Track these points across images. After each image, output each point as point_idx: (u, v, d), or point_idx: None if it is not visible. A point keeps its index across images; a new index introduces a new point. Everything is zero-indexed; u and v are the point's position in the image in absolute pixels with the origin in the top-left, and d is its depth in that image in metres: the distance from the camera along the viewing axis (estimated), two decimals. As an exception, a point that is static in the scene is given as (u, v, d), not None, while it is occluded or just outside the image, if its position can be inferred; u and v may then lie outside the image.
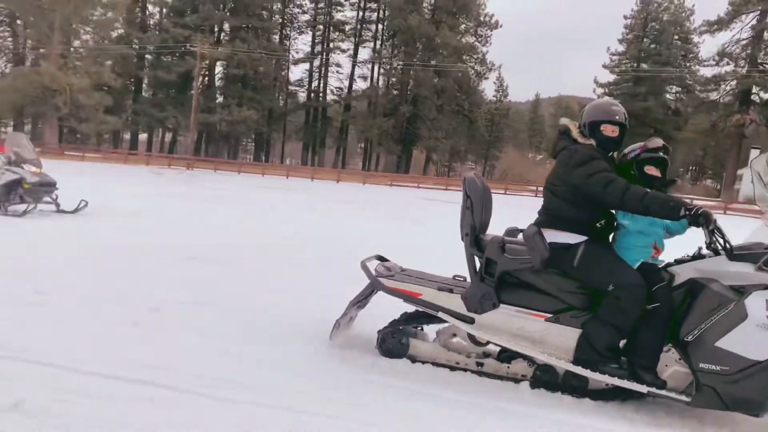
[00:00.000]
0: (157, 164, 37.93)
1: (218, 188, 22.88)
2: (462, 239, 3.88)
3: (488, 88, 75.34)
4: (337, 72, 58.25)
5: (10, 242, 7.88)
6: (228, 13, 50.01)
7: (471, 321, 3.76)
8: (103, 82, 41.50)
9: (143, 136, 57.45)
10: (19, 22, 46.54)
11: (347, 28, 57.13)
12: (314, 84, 58.88)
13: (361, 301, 4.22)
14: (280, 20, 57.14)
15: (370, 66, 56.22)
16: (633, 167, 3.71)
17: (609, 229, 3.70)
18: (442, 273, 4.28)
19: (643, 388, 3.39)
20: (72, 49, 42.24)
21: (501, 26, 57.22)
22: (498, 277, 3.72)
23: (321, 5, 57.03)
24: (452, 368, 3.87)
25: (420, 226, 14.36)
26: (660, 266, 3.62)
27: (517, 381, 3.74)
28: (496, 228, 4.08)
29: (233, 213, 13.99)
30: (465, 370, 3.85)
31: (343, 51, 57.21)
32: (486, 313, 3.71)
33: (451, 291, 3.86)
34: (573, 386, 3.63)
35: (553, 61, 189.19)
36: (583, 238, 3.58)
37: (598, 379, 3.47)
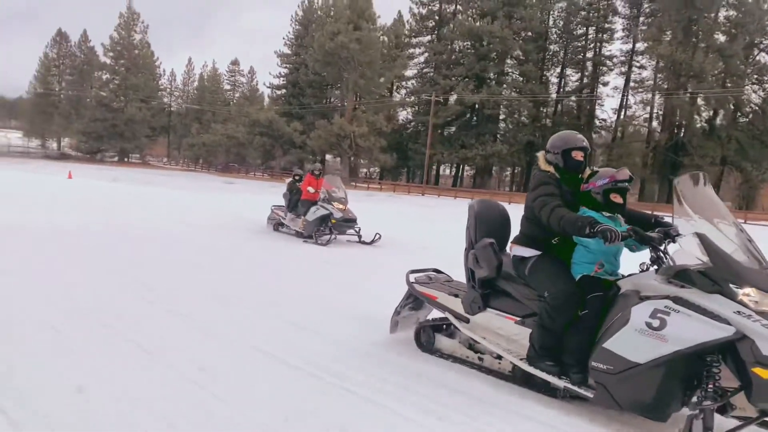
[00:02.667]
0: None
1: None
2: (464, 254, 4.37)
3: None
4: (598, 104, 59.30)
5: (310, 264, 9.70)
6: (490, 63, 57.01)
7: (466, 321, 4.26)
8: (378, 129, 53.19)
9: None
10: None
11: (611, 62, 57.94)
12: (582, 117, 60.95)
13: (410, 303, 4.79)
14: (553, 60, 61.42)
15: (633, 96, 56.04)
16: (600, 194, 3.86)
17: (567, 246, 3.92)
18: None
19: (561, 384, 3.61)
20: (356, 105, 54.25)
21: (803, 41, 50.64)
22: (480, 284, 4.18)
23: (590, 44, 59.29)
24: (463, 362, 4.34)
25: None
26: (613, 279, 3.74)
27: (506, 376, 4.08)
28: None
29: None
30: (472, 364, 4.31)
31: (605, 84, 58.12)
32: (477, 315, 4.20)
33: (456, 296, 4.35)
34: (540, 385, 3.85)
35: None
36: (538, 252, 3.96)
37: (532, 373, 3.76)
